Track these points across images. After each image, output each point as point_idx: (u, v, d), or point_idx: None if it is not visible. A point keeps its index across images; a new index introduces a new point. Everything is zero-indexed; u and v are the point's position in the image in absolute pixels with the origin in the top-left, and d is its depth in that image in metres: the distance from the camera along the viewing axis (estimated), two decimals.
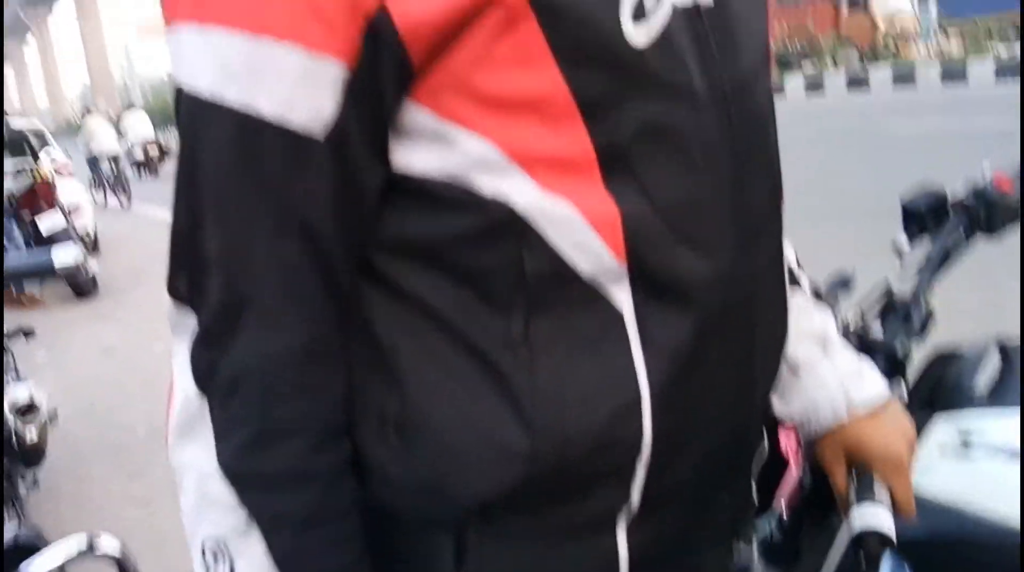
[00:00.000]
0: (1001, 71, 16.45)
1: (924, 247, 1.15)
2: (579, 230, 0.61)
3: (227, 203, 0.59)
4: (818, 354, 0.83)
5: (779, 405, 0.82)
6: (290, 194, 0.59)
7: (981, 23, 21.48)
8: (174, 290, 0.63)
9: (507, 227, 0.60)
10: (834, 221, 5.54)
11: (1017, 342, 1.11)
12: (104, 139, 13.91)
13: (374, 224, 0.62)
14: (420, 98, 0.59)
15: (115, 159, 13.79)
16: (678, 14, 0.62)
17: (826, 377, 0.82)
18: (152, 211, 11.45)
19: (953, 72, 17.46)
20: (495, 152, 0.59)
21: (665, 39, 0.61)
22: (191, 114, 0.59)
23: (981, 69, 16.94)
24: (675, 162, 0.63)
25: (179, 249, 0.62)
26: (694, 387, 0.66)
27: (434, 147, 0.60)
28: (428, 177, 0.61)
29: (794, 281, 0.85)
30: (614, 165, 0.61)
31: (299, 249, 0.59)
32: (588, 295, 0.62)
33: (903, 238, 1.16)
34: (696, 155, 0.63)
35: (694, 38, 0.63)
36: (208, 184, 0.59)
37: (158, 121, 20.33)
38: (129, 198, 13.31)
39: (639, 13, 0.60)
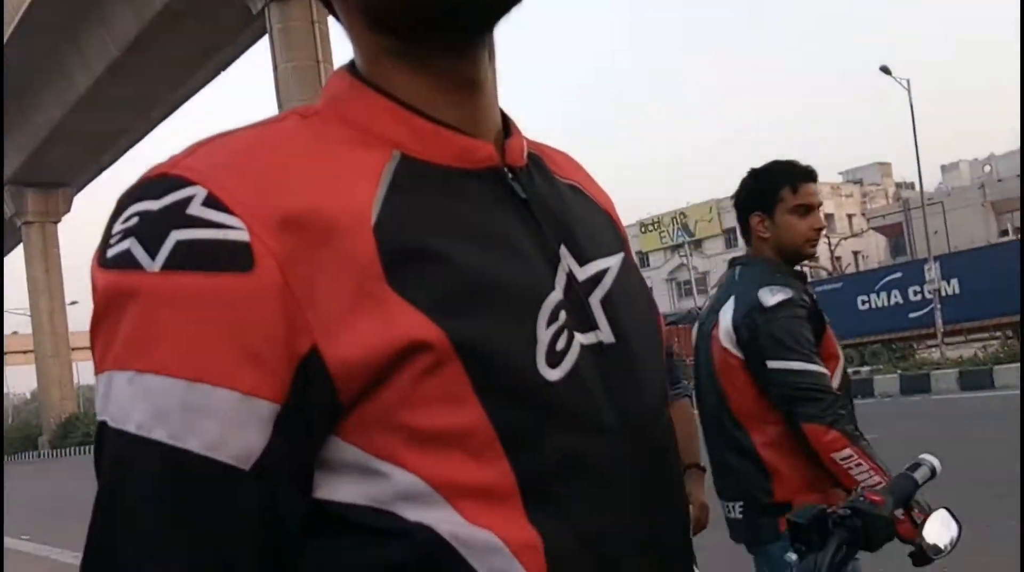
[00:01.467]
0: (860, 389, 17.75)
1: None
2: (502, 558, 0.62)
3: (147, 539, 0.58)
4: None
5: None
6: (214, 527, 0.58)
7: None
8: None
9: (432, 555, 0.61)
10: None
11: None
12: None
13: (294, 555, 0.62)
14: (348, 433, 0.61)
15: None
16: (585, 351, 0.68)
17: None
18: None
19: None
20: (422, 484, 0.61)
21: (575, 375, 0.66)
22: (116, 450, 0.59)
23: None
24: (591, 491, 0.66)
25: None
26: None
27: (361, 479, 0.61)
28: (353, 505, 0.62)
29: None
30: (535, 494, 0.63)
31: None
32: None
33: (792, 555, 1.22)
34: (610, 484, 0.67)
35: (600, 374, 0.69)
36: (127, 520, 0.58)
37: None
38: None
39: (553, 358, 0.65)
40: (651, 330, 0.79)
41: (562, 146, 0.86)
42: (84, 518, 0.61)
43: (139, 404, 0.58)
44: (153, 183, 0.61)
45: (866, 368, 21.37)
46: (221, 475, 0.58)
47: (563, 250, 0.71)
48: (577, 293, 0.70)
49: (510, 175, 0.71)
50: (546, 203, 0.73)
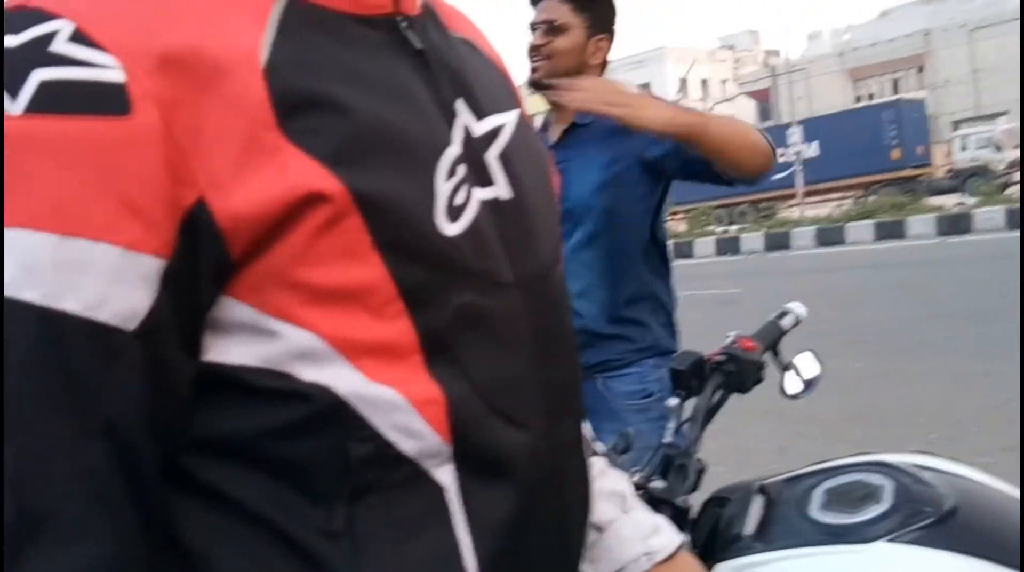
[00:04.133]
0: (720, 247, 18.53)
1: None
2: (404, 414, 0.61)
3: (25, 408, 0.52)
4: (618, 512, 0.87)
5: (586, 566, 0.85)
6: (97, 393, 0.54)
7: (701, 207, 24.32)
8: None
9: (330, 416, 0.60)
10: None
11: (774, 483, 1.25)
12: None
13: (183, 423, 0.59)
14: (239, 292, 0.58)
15: None
16: (483, 207, 0.67)
17: (627, 533, 0.86)
18: None
19: (680, 249, 19.43)
20: (319, 342, 0.59)
21: (474, 230, 0.65)
22: None
23: (704, 246, 18.92)
24: (489, 344, 0.66)
25: None
26: (519, 559, 0.67)
27: (253, 340, 0.59)
28: (245, 367, 0.59)
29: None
30: (435, 350, 0.63)
31: (105, 452, 0.54)
32: (412, 477, 0.63)
33: (674, 399, 1.29)
34: (507, 337, 0.68)
35: (498, 229, 0.68)
36: (3, 390, 0.52)
37: None
38: None
39: (451, 213, 0.64)
40: (546, 186, 0.79)
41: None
42: None
43: (8, 261, 0.52)
44: (11, 16, 0.55)
45: (734, 227, 22.31)
46: (103, 337, 0.53)
47: (460, 104, 0.69)
48: (474, 148, 0.69)
49: (404, 24, 0.68)
50: (442, 56, 0.70)
